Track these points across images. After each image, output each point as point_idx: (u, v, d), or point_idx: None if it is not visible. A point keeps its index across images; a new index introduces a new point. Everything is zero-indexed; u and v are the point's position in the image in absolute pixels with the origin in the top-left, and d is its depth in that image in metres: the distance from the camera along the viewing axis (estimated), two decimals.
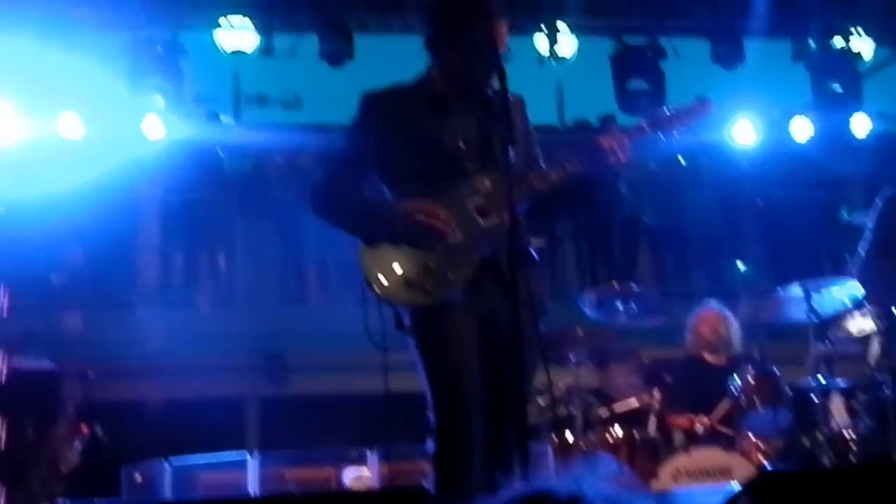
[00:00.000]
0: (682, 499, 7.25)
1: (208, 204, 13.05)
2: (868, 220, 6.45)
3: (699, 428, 8.08)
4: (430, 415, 4.46)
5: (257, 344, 12.35)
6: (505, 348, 4.19)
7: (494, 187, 4.47)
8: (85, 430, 8.62)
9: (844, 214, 12.77)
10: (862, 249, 6.36)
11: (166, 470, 8.78)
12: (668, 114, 4.77)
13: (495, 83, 4.34)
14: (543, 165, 4.72)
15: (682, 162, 13.19)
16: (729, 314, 8.83)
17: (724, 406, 8.05)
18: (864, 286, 6.89)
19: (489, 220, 4.49)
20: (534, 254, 4.61)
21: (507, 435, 4.40)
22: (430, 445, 4.47)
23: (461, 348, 4.44)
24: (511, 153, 4.26)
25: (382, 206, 4.61)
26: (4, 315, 8.26)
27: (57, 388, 8.91)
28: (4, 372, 8.32)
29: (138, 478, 8.99)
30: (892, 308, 7.22)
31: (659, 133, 4.71)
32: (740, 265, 9.29)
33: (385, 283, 4.44)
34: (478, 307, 4.47)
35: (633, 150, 4.56)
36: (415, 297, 4.43)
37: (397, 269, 4.45)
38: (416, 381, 4.52)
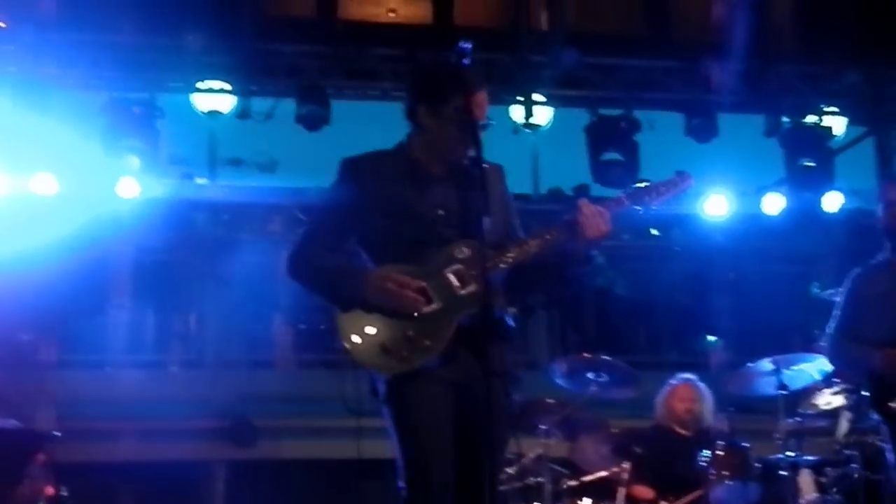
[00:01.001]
0: None
1: (180, 265, 13.04)
2: (837, 297, 6.47)
3: None
4: (401, 483, 4.43)
5: (225, 407, 12.28)
6: (478, 418, 4.20)
7: (473, 255, 4.42)
8: (50, 490, 8.52)
9: (815, 290, 12.84)
10: (829, 328, 6.37)
11: None
12: (647, 187, 4.76)
13: (472, 152, 4.37)
14: (522, 234, 4.73)
15: (655, 234, 13.27)
16: (703, 388, 8.82)
17: (693, 495, 8.01)
18: (832, 363, 6.90)
19: (467, 287, 4.44)
20: (510, 323, 4.61)
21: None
22: None
23: (435, 420, 4.39)
24: (486, 223, 4.27)
25: (354, 273, 4.55)
26: None
27: (22, 448, 8.80)
28: None
29: None
30: (860, 385, 7.24)
31: (637, 206, 4.74)
32: (710, 338, 9.31)
33: (361, 347, 4.40)
34: (453, 375, 4.43)
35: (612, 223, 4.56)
36: (390, 363, 4.38)
37: (373, 333, 4.41)
38: (385, 447, 4.49)
